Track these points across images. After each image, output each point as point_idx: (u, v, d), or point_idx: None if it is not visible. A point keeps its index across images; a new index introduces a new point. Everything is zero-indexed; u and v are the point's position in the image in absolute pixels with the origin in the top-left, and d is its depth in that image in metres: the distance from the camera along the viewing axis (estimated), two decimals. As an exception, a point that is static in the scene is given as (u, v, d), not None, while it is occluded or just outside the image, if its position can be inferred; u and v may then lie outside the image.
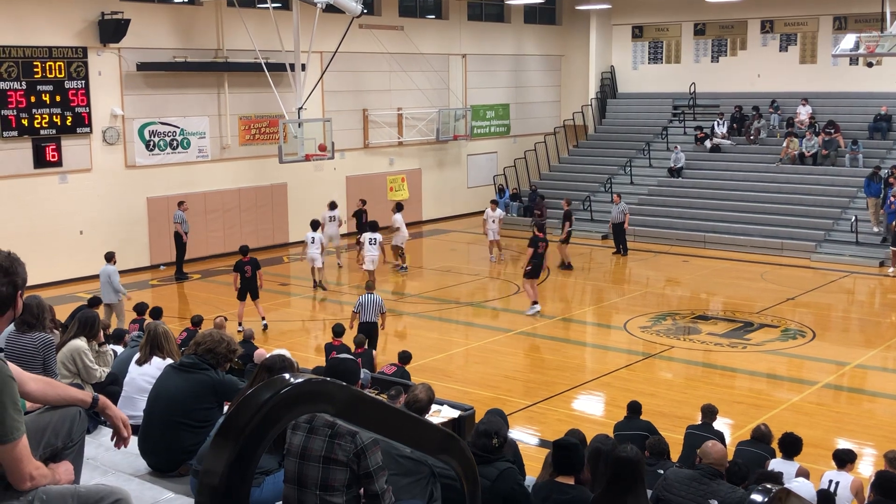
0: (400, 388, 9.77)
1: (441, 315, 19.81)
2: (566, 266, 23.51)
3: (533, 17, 34.44)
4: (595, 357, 17.37)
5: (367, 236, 21.50)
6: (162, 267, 23.88)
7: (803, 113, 29.51)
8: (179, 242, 22.76)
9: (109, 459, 5.44)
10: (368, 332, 14.88)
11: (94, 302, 15.43)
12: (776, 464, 9.00)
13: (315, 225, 21.74)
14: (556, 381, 15.07)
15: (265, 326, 17.93)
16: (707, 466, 6.48)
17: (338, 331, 13.70)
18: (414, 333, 18.05)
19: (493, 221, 24.87)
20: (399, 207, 24.60)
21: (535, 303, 19.18)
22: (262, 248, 25.37)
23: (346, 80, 27.81)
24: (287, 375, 2.74)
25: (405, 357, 13.14)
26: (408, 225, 29.94)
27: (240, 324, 17.55)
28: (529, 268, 19.05)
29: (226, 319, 14.11)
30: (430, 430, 3.71)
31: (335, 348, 13.16)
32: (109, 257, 17.54)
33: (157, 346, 6.92)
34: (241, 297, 18.12)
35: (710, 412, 10.29)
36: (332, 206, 24.00)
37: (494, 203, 25.60)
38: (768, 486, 3.59)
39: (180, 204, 22.72)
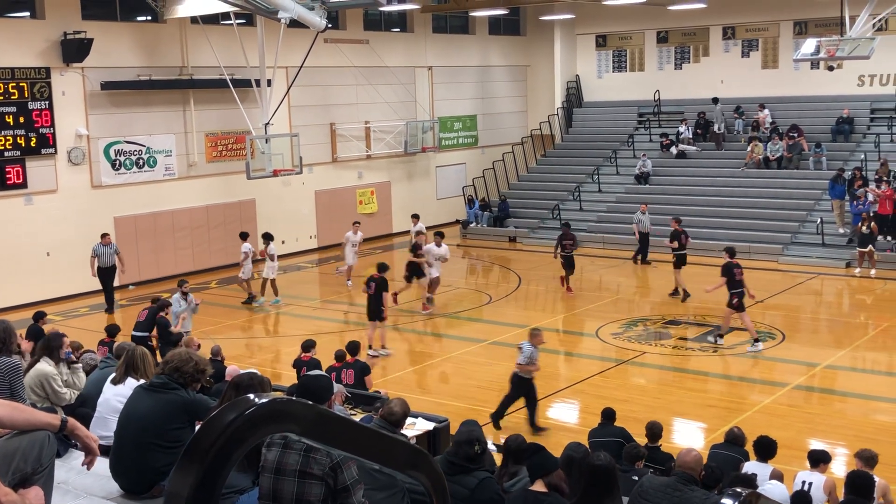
0: (379, 404, 9.73)
1: (414, 327, 19.79)
2: (676, 293, 20.96)
3: (497, 29, 34.59)
4: (568, 365, 17.41)
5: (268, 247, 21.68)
6: (131, 287, 23.68)
7: (767, 119, 29.78)
8: (103, 279, 21.28)
9: (81, 483, 5.39)
10: (521, 387, 13.22)
11: (38, 316, 15.29)
12: (750, 466, 9.05)
13: (268, 237, 21.87)
14: (529, 391, 15.07)
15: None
16: (681, 472, 6.50)
17: (307, 346, 13.61)
18: (387, 346, 17.99)
19: (353, 245, 23.27)
20: (244, 235, 22.32)
21: (756, 340, 16.97)
22: (232, 265, 25.23)
23: (313, 95, 27.79)
24: (252, 395, 2.73)
25: (353, 348, 13.13)
26: (380, 237, 29.94)
27: (369, 346, 17.01)
28: (735, 300, 16.88)
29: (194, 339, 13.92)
30: (398, 447, 3.70)
31: (304, 364, 13.09)
32: (181, 284, 16.97)
33: (132, 367, 6.86)
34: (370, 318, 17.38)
35: (653, 435, 10.07)
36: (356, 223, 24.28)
37: (357, 224, 24.01)
38: (738, 489, 3.62)
39: (103, 236, 21.25)
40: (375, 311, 17.04)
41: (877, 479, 8.24)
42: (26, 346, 9.95)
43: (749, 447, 9.57)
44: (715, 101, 30.38)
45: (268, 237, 21.94)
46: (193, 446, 2.61)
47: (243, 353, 17.59)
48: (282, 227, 27.27)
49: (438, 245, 21.02)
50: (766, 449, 9.20)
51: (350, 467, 4.19)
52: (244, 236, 22.15)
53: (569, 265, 21.94)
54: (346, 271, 23.52)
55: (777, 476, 8.88)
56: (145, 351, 7.10)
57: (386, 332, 17.67)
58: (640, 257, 24.97)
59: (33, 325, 14.90)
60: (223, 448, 2.57)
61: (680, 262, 20.97)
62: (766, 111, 29.80)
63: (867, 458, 8.83)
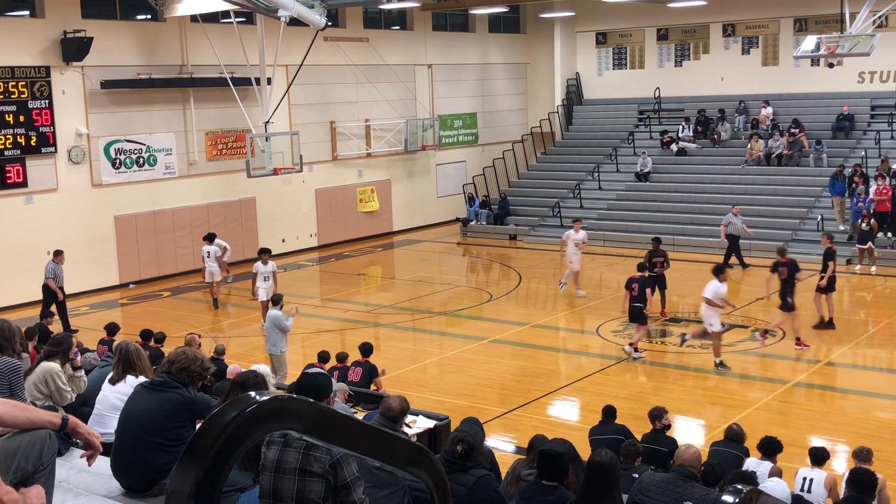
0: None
1: (415, 325, 19.80)
2: (825, 324, 17.96)
3: (497, 27, 34.58)
4: (569, 362, 17.42)
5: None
6: (131, 285, 23.70)
7: (769, 117, 29.77)
8: (49, 297, 19.10)
9: (82, 481, 5.40)
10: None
11: (46, 315, 15.26)
12: (750, 463, 9.06)
13: (211, 238, 21.48)
14: (530, 388, 15.10)
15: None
16: (681, 468, 6.52)
17: (323, 357, 13.47)
18: (388, 345, 18.02)
19: (576, 245, 21.03)
20: (210, 237, 21.85)
21: None
22: (232, 263, 25.22)
23: (313, 93, 27.78)
24: (253, 393, 2.73)
25: (366, 349, 13.12)
26: (380, 236, 29.97)
27: (632, 345, 16.60)
28: None
29: (199, 336, 13.90)
30: (399, 444, 3.70)
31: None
32: (277, 300, 15.36)
33: (129, 365, 6.86)
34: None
35: (654, 416, 10.05)
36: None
37: (578, 222, 22.09)
38: (739, 486, 3.63)
39: (57, 255, 19.47)
40: (636, 313, 16.54)
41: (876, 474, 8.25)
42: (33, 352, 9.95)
43: (752, 445, 9.57)
44: (722, 114, 30.38)
45: (265, 251, 19.86)
46: (195, 444, 2.61)
47: (244, 352, 17.57)
48: (282, 226, 27.32)
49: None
50: (770, 449, 9.20)
51: (350, 464, 4.19)
52: (210, 238, 21.67)
53: (661, 286, 19.18)
54: (569, 277, 21.39)
55: (776, 473, 8.89)
56: (139, 347, 7.11)
57: (643, 334, 16.87)
58: (737, 261, 23.55)
59: (39, 324, 14.90)
60: (224, 446, 2.58)
61: (831, 286, 17.90)
62: (770, 108, 29.80)
63: (862, 456, 8.86)
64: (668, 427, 10.15)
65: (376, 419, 6.32)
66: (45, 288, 19.21)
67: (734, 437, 9.68)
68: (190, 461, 2.58)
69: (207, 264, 21.34)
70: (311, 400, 3.07)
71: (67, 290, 22.17)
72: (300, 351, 17.73)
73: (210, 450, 2.56)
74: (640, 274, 16.90)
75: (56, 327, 15.32)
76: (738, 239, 23.52)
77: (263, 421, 2.73)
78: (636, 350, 16.53)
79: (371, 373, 12.91)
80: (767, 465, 8.97)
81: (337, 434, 3.12)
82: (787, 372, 15.75)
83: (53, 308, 18.59)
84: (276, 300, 15.47)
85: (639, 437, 9.72)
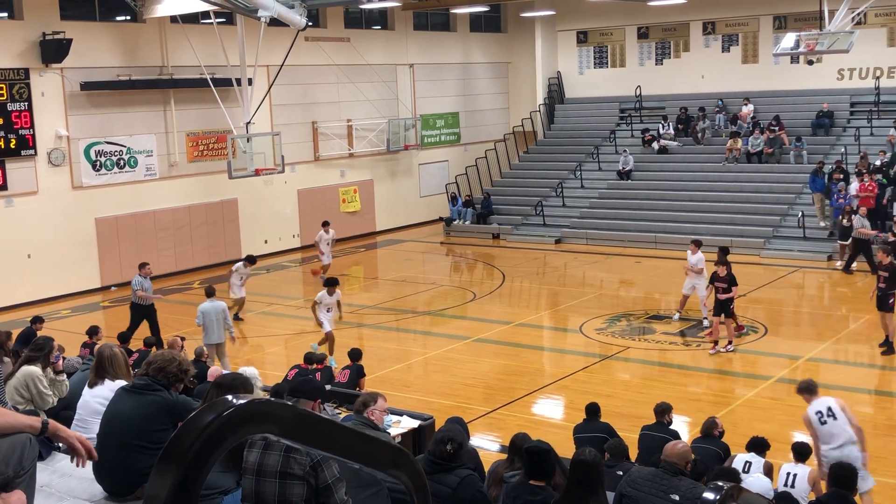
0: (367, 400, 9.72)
1: (398, 325, 19.79)
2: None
3: (479, 26, 34.60)
4: (552, 361, 17.45)
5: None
6: (112, 288, 23.56)
7: (749, 115, 29.90)
8: (138, 314, 17.98)
9: (65, 486, 5.37)
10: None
11: (36, 321, 15.15)
12: (743, 460, 9.10)
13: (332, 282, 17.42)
14: (514, 387, 15.12)
15: None
16: (668, 464, 6.57)
17: (309, 359, 13.44)
18: (372, 345, 17.98)
19: (692, 269, 18.48)
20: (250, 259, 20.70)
21: None
22: (214, 265, 25.18)
23: (294, 93, 27.72)
24: (230, 397, 2.72)
25: (355, 354, 13.16)
26: (362, 236, 29.80)
27: (715, 342, 16.66)
28: None
29: (183, 339, 13.79)
30: (379, 446, 3.70)
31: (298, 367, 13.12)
32: (212, 292, 15.70)
33: (102, 370, 6.82)
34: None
35: (661, 411, 10.21)
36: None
37: (697, 244, 18.72)
38: (720, 483, 3.65)
39: (142, 266, 18.13)
40: (723, 305, 16.60)
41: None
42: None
43: (733, 441, 9.62)
44: (702, 112, 30.46)
45: (332, 282, 16.96)
46: (171, 448, 2.60)
47: (235, 353, 17.49)
48: (264, 227, 27.25)
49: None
50: (760, 447, 9.26)
51: (331, 466, 4.18)
52: (251, 260, 20.56)
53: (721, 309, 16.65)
54: (710, 310, 17.70)
55: (767, 469, 8.94)
56: (115, 353, 7.05)
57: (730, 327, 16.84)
58: (850, 265, 22.53)
59: (28, 329, 14.77)
60: (201, 450, 2.56)
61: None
62: (750, 106, 29.94)
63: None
64: (671, 424, 10.24)
65: (353, 420, 6.34)
66: (133, 306, 17.99)
67: (710, 432, 9.77)
68: (166, 465, 2.57)
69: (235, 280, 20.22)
70: (290, 403, 3.06)
71: (48, 294, 22.17)
72: (283, 353, 17.71)
73: (187, 454, 2.55)
74: (727, 268, 16.86)
75: (59, 337, 15.12)
76: (868, 243, 22.14)
77: (240, 424, 2.71)
78: (729, 342, 16.73)
79: (359, 373, 12.96)
80: (760, 460, 9.03)
81: (315, 437, 3.11)
82: (769, 368, 15.82)
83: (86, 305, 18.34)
84: (211, 292, 15.84)
85: (623, 436, 9.74)
